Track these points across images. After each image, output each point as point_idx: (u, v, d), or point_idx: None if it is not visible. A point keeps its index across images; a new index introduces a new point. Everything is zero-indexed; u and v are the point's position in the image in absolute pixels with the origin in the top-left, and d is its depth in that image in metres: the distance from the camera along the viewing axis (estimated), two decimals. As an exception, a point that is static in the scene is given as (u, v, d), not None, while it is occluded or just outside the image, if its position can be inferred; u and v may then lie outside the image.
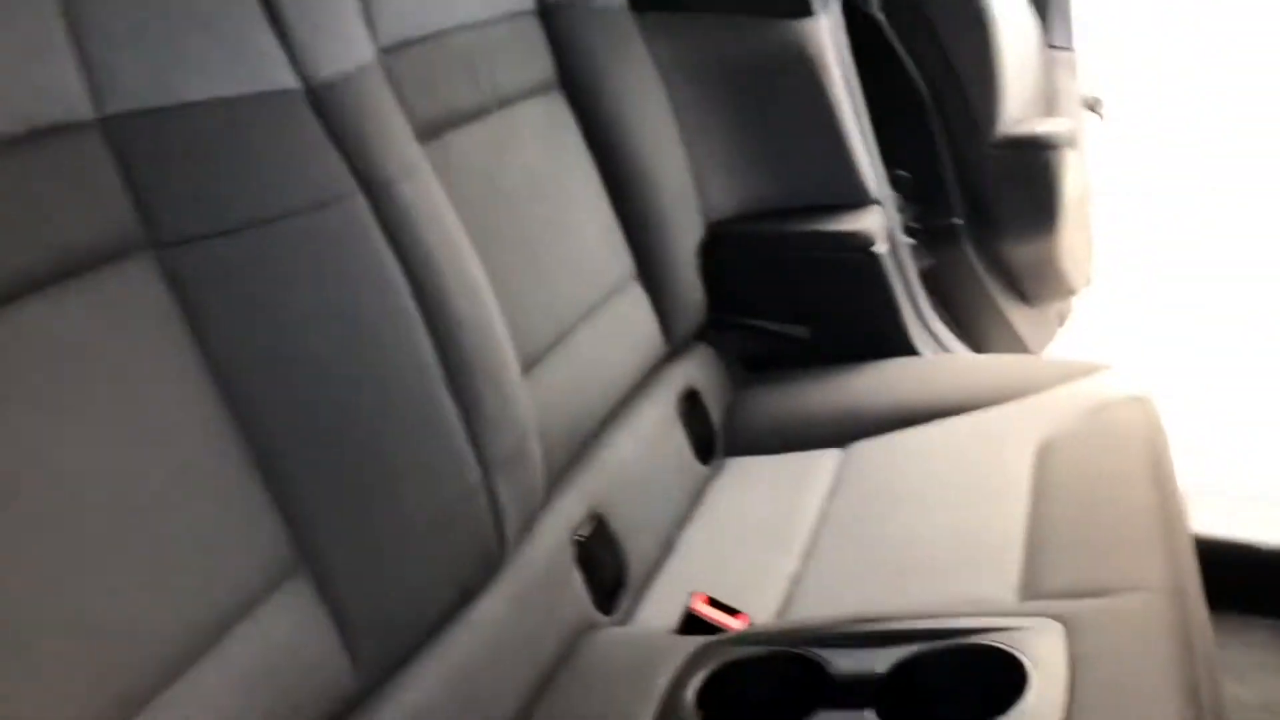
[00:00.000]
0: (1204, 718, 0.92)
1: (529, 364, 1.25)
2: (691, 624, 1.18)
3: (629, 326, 1.51)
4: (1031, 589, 1.12)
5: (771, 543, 1.36)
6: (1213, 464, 1.96)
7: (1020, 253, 2.12)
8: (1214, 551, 1.21)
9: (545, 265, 1.36)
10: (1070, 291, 2.31)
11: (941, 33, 1.97)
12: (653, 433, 1.48)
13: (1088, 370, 1.52)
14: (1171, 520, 1.20)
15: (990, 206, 2.04)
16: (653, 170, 1.57)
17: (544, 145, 1.43)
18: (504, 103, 1.35)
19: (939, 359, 1.71)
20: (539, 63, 1.45)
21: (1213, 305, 2.99)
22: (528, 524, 1.16)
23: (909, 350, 1.71)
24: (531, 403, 1.19)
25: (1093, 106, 2.45)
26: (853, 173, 1.71)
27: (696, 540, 1.42)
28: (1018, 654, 0.99)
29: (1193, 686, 0.94)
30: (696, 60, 1.68)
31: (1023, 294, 2.25)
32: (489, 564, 1.08)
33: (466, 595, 1.07)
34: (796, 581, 1.27)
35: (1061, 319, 2.49)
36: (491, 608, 1.09)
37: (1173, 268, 3.19)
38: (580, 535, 1.25)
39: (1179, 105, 4.22)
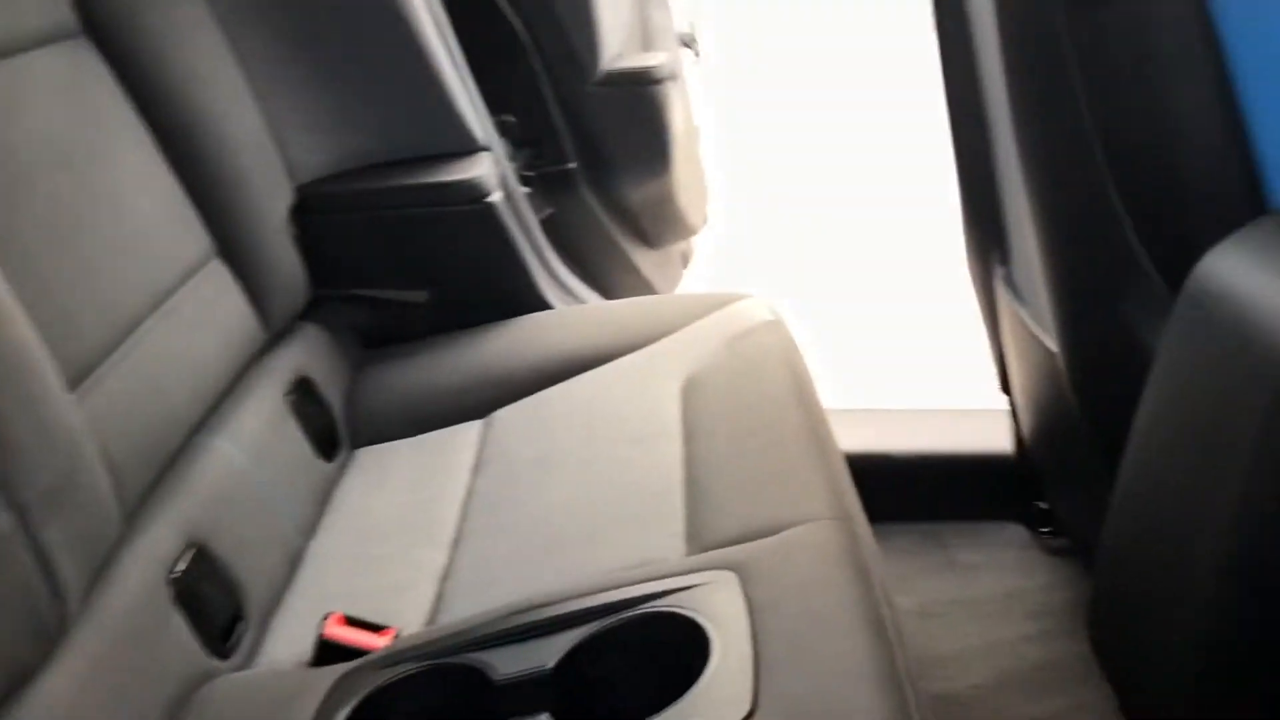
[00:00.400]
0: (890, 644, 0.86)
1: (80, 374, 1.01)
2: (327, 652, 1.00)
3: (214, 314, 1.28)
4: (699, 539, 1.04)
5: (415, 538, 1.20)
6: (841, 380, 2.01)
7: (638, 194, 2.06)
8: (855, 465, 1.18)
9: (90, 251, 1.10)
10: (690, 231, 2.30)
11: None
12: (259, 434, 1.26)
13: (720, 302, 1.47)
14: (823, 442, 1.16)
15: (602, 147, 1.96)
16: (219, 129, 1.33)
17: (70, 106, 1.17)
18: (4, 52, 1.08)
19: (573, 310, 1.61)
20: (50, 3, 1.18)
21: (823, 233, 3.13)
22: (98, 570, 0.93)
23: (540, 304, 1.59)
24: (86, 421, 0.95)
25: (688, 43, 2.43)
26: (455, 118, 1.56)
27: (328, 550, 1.23)
28: (695, 616, 0.89)
29: (876, 614, 0.89)
30: (259, 0, 1.45)
31: (645, 236, 2.20)
32: (43, 632, 0.84)
33: (17, 678, 0.82)
34: (447, 577, 1.12)
35: (685, 260, 2.48)
36: (58, 685, 0.85)
37: (784, 200, 3.32)
38: (177, 571, 1.02)
39: (772, 40, 4.41)
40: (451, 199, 1.51)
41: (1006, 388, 1.55)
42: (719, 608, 0.90)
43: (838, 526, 0.98)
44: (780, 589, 0.91)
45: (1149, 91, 0.87)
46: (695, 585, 0.93)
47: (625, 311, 1.56)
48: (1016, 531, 1.69)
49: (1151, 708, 0.88)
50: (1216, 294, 0.80)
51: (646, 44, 2.24)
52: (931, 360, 2.32)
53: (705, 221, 2.36)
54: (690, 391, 1.29)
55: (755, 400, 1.23)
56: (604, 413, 1.32)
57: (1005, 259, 1.36)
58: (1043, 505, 1.63)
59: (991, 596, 1.58)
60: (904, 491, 1.71)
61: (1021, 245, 1.28)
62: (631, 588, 0.95)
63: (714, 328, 1.40)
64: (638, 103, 1.94)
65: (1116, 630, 0.94)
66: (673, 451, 1.18)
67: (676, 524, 1.07)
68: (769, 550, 0.96)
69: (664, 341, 1.41)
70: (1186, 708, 0.82)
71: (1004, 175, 1.28)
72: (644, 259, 2.20)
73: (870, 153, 3.50)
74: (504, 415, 1.38)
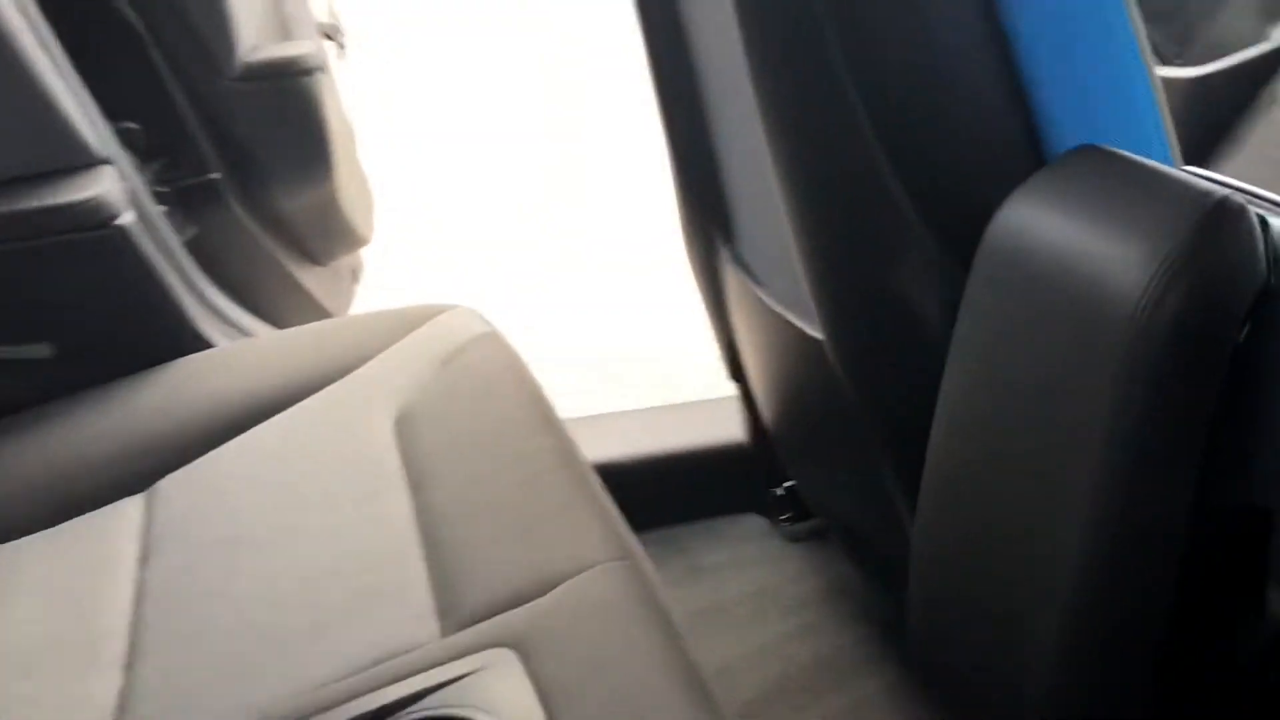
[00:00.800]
0: (711, 701, 0.72)
1: None
2: None
3: None
4: (456, 613, 0.85)
5: (72, 662, 0.92)
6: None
7: (295, 203, 1.80)
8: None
9: None
10: (359, 242, 2.06)
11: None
12: None
13: (421, 316, 1.27)
14: (580, 468, 1.00)
15: (249, 152, 1.69)
16: None
17: None
18: None
19: (241, 346, 1.35)
20: None
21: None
22: None
23: (198, 343, 1.33)
24: None
25: (331, 35, 2.19)
26: (61, 128, 1.26)
27: (-51, 699, 0.92)
28: (474, 716, 0.71)
29: (686, 669, 0.74)
30: None
31: (308, 252, 1.95)
32: None
33: None
34: (125, 710, 0.86)
35: (355, 275, 2.24)
36: None
37: (453, 202, 3.13)
38: None
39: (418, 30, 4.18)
40: (69, 225, 1.21)
41: (737, 374, 1.46)
42: (501, 699, 0.72)
43: (622, 570, 0.83)
44: (572, 660, 0.74)
45: (912, 36, 0.77)
46: (465, 675, 0.75)
47: (307, 340, 1.32)
48: (755, 522, 1.61)
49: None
50: (1019, 252, 0.72)
51: (284, 35, 1.98)
52: (643, 354, 2.23)
53: (373, 231, 2.13)
54: (406, 428, 1.09)
55: (490, 428, 1.05)
56: (301, 467, 1.10)
57: (729, 237, 1.26)
58: (779, 491, 1.56)
59: (744, 597, 1.49)
60: (632, 498, 1.59)
61: (752, 222, 1.18)
62: (380, 692, 0.75)
63: (420, 348, 1.21)
64: (285, 98, 1.69)
65: (946, 643, 0.85)
66: (398, 505, 0.98)
67: (422, 597, 0.87)
68: (547, 613, 0.79)
69: (361, 371, 1.20)
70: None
71: (724, 145, 1.18)
72: (310, 277, 1.95)
73: (549, 140, 3.39)
74: (171, 485, 1.12)
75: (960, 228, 0.78)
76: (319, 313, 1.95)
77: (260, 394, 1.19)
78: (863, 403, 0.96)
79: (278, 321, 1.71)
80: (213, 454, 1.14)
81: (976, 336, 0.75)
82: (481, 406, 1.09)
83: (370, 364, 1.20)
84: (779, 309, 1.12)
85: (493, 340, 1.21)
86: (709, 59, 1.10)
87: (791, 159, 0.89)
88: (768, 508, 1.59)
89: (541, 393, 1.12)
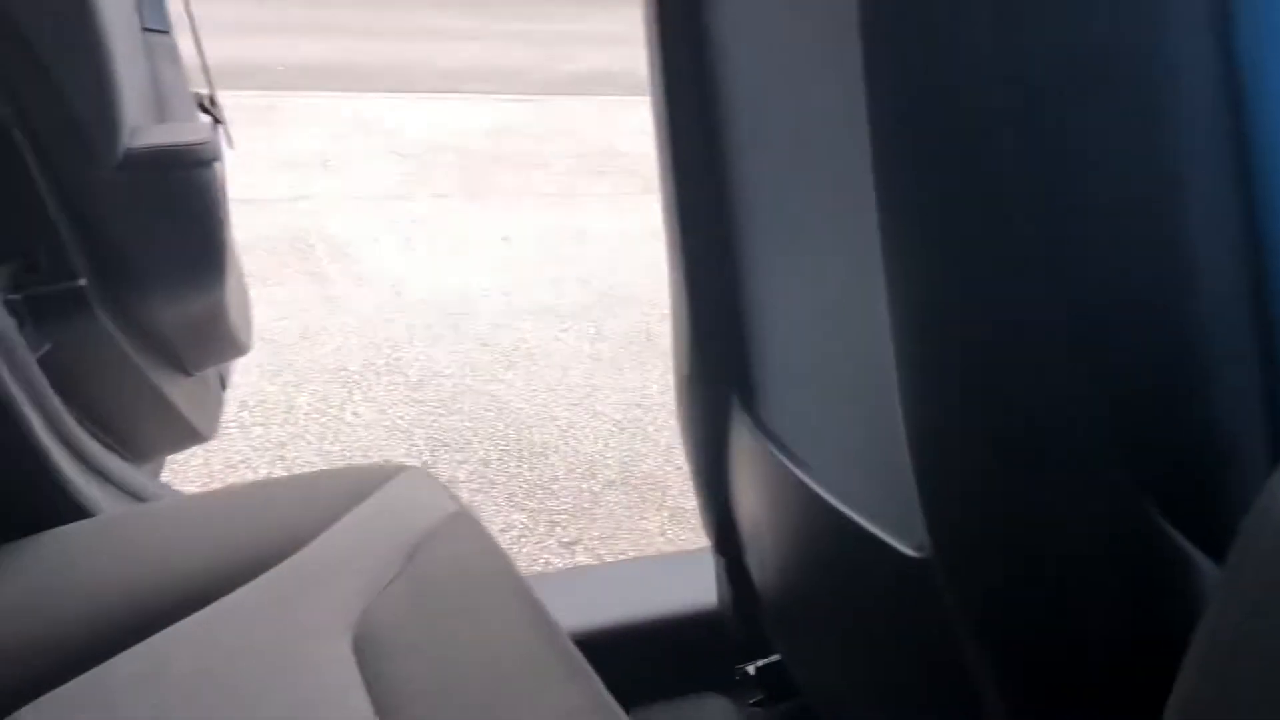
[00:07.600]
0: None
1: None
2: None
3: None
4: None
5: None
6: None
7: (175, 312, 1.52)
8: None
9: None
10: (240, 351, 1.78)
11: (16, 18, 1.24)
12: None
13: (369, 482, 1.02)
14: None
15: (126, 254, 1.39)
16: None
17: None
18: None
19: (130, 517, 1.06)
20: None
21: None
22: None
23: (67, 509, 1.03)
24: None
25: (208, 108, 1.90)
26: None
27: None
28: None
29: None
30: None
31: (178, 361, 1.65)
32: None
33: None
34: None
35: (223, 381, 1.94)
36: None
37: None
38: None
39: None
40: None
41: (726, 548, 1.24)
42: None
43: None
44: None
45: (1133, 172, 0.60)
46: None
47: (219, 509, 1.04)
48: (718, 705, 1.39)
49: None
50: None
51: (161, 111, 1.69)
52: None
53: (252, 338, 1.85)
54: (370, 651, 0.83)
55: (486, 661, 0.81)
56: (223, 701, 0.82)
57: (749, 398, 1.06)
58: (750, 670, 1.35)
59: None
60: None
61: (788, 384, 0.99)
62: None
63: (374, 532, 0.95)
64: (173, 192, 1.41)
65: None
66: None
67: None
68: None
69: (298, 559, 0.94)
70: None
71: (758, 279, 0.98)
72: (180, 392, 1.65)
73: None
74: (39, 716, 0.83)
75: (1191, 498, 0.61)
76: (186, 433, 1.66)
77: (161, 587, 0.91)
78: (972, 627, 0.76)
79: (138, 445, 1.43)
80: (93, 675, 0.85)
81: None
82: (463, 624, 0.85)
83: (310, 548, 0.94)
84: (831, 500, 0.92)
85: (464, 522, 0.97)
86: (771, 161, 0.90)
87: (920, 310, 0.70)
88: (732, 687, 1.37)
89: (535, 601, 0.89)
